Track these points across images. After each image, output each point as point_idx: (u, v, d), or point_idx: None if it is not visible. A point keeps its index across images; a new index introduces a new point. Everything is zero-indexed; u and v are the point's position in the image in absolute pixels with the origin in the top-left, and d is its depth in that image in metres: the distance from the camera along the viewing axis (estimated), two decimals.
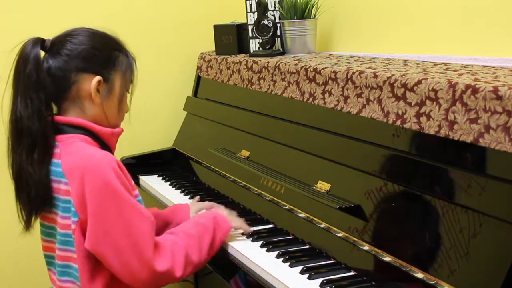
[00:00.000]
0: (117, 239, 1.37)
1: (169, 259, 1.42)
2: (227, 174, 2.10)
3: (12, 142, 1.46)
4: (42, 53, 1.48)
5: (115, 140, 1.55)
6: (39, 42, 1.47)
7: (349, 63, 1.86)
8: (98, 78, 1.47)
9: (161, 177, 2.37)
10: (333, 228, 1.55)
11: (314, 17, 2.27)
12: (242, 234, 1.68)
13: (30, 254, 2.42)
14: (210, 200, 2.02)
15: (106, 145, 1.51)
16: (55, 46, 1.48)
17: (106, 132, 1.50)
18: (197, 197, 1.98)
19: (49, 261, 1.52)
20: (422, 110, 1.41)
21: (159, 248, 1.43)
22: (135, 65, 1.58)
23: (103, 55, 1.49)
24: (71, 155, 1.43)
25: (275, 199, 1.80)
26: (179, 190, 2.18)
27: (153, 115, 2.67)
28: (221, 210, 1.72)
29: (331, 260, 1.52)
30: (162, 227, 1.71)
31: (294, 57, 2.17)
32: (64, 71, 1.46)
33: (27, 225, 1.48)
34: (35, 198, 1.43)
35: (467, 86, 1.29)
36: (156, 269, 1.39)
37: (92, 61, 1.47)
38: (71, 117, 1.48)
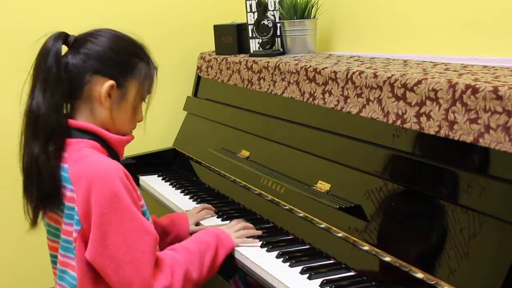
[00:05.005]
0: (117, 254, 1.35)
1: (168, 276, 1.40)
2: (227, 174, 2.10)
3: (26, 134, 1.44)
4: (65, 48, 1.47)
5: (123, 147, 1.53)
6: (62, 36, 1.45)
7: (349, 63, 1.86)
8: (110, 82, 1.44)
9: (161, 177, 2.36)
10: (333, 228, 1.55)
11: (314, 17, 2.27)
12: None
13: (34, 252, 2.42)
14: (209, 200, 2.03)
15: (114, 152, 1.49)
16: (77, 43, 1.46)
17: (116, 139, 1.48)
18: (199, 206, 1.91)
19: (54, 260, 1.50)
20: (422, 110, 1.41)
21: (159, 265, 1.41)
22: (156, 75, 1.54)
23: (121, 59, 1.46)
24: (78, 162, 1.40)
25: (275, 199, 1.80)
26: (179, 190, 2.17)
27: (153, 115, 2.66)
28: (226, 228, 1.66)
29: (331, 260, 1.52)
30: (160, 236, 1.69)
31: (294, 57, 2.17)
32: (80, 69, 1.44)
33: (33, 222, 1.45)
34: (46, 192, 1.40)
35: (467, 86, 1.29)
36: (154, 286, 1.36)
37: (108, 64, 1.45)
38: (82, 122, 1.45)
